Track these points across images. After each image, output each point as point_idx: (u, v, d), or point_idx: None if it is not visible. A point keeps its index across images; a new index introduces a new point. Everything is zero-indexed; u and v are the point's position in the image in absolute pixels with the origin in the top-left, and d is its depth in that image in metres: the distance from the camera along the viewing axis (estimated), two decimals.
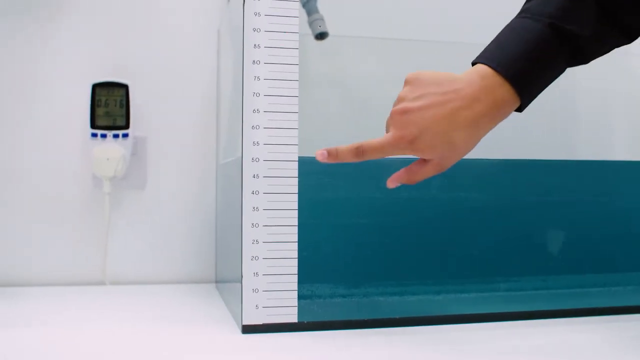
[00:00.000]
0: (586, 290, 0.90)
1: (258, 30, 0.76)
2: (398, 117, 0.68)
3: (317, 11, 1.08)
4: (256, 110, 0.76)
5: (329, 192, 0.81)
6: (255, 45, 0.76)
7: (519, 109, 0.69)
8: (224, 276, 1.00)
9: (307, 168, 0.77)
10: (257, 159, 0.76)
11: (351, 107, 1.15)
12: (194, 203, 1.15)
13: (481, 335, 0.78)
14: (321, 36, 1.07)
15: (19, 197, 1.09)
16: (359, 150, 0.69)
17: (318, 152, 0.71)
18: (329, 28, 1.06)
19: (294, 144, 0.76)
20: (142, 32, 1.13)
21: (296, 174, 0.76)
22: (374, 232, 0.82)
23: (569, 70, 0.71)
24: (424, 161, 0.70)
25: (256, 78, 0.76)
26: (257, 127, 0.76)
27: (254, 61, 0.76)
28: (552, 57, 0.68)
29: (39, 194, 1.10)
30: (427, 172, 0.70)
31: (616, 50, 0.72)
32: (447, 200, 0.85)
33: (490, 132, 0.69)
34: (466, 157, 0.71)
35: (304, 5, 1.08)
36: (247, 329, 0.76)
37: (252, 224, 0.76)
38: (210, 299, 1.00)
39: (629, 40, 0.71)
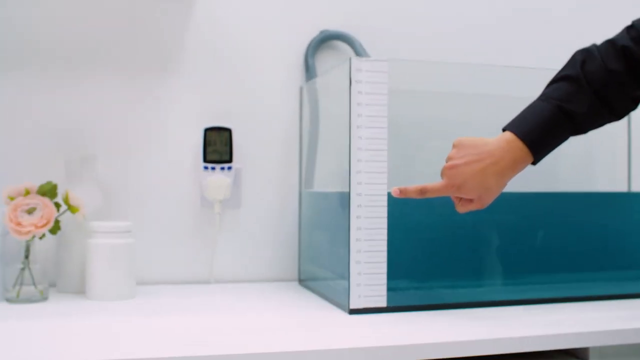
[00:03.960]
0: (588, 283, 1.25)
1: (361, 92, 1.10)
2: (448, 171, 1.02)
3: None
4: (359, 160, 1.10)
5: (408, 217, 1.15)
6: (358, 103, 1.10)
7: (533, 163, 1.03)
8: (315, 276, 1.34)
9: (393, 199, 1.11)
10: (360, 194, 1.10)
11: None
12: (278, 219, 1.48)
13: (512, 312, 1.13)
14: None
15: (149, 217, 1.41)
16: (422, 191, 1.03)
17: (393, 190, 1.04)
18: None
19: (384, 182, 1.11)
20: (241, 87, 1.46)
21: (386, 204, 1.11)
22: (439, 243, 1.17)
23: None
24: (470, 200, 1.04)
25: (359, 138, 1.10)
26: (360, 171, 1.10)
27: (358, 114, 1.09)
28: (558, 129, 1.02)
29: (162, 215, 1.42)
30: (472, 207, 1.04)
31: None
32: (487, 220, 1.20)
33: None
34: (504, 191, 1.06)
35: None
36: (353, 311, 1.10)
37: (357, 239, 1.10)
38: (301, 293, 1.34)
39: (617, 118, 1.05)
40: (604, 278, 1.28)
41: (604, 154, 1.54)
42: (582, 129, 1.04)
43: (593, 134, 1.08)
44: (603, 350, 1.04)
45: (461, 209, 1.06)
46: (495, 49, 1.61)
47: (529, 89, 1.11)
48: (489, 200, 1.04)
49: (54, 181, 1.28)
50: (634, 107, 1.05)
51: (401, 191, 1.04)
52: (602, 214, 1.29)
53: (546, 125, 1.01)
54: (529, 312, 1.15)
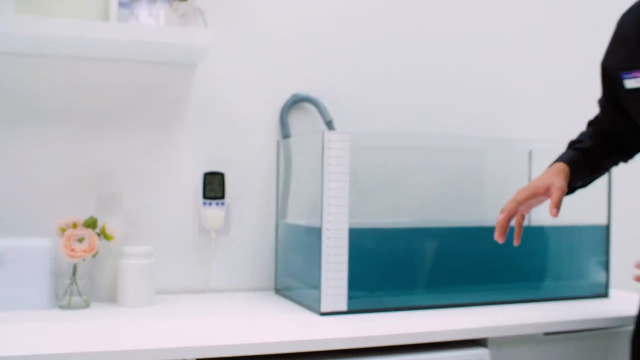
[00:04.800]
0: (492, 292, 1.71)
1: (330, 157, 1.53)
2: (530, 183, 1.46)
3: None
4: (329, 204, 1.53)
5: (362, 244, 1.58)
6: (328, 164, 1.53)
7: (571, 193, 1.51)
8: (290, 286, 1.76)
9: (352, 232, 1.54)
10: (329, 229, 1.53)
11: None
12: (259, 243, 1.90)
13: (437, 313, 1.57)
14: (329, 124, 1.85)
15: (161, 241, 1.81)
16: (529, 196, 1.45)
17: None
18: None
19: (346, 220, 1.54)
20: (232, 139, 1.87)
21: (347, 235, 1.54)
22: (385, 264, 1.61)
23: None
24: (547, 190, 1.43)
25: (330, 189, 1.53)
26: (330, 213, 1.53)
27: (328, 172, 1.53)
28: (580, 163, 1.49)
29: (170, 239, 1.82)
30: (556, 192, 1.40)
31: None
32: (420, 246, 1.64)
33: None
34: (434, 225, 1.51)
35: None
36: (324, 314, 1.53)
37: (327, 262, 1.53)
38: (278, 300, 1.76)
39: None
40: (503, 288, 1.74)
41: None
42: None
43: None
44: (499, 340, 1.49)
45: (553, 201, 1.40)
46: (428, 113, 2.07)
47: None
48: (557, 187, 1.42)
49: (87, 213, 1.67)
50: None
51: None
52: (505, 243, 1.75)
53: (572, 159, 1.51)
54: (449, 313, 1.60)
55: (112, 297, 1.69)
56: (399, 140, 1.85)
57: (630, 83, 1.43)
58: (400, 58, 2.06)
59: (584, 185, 1.57)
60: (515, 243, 1.46)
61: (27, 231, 1.68)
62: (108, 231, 1.64)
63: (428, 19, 2.10)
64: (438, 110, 2.09)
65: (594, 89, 1.62)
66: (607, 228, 1.83)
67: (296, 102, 1.92)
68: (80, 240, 1.59)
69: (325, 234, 1.53)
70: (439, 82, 2.10)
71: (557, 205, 1.39)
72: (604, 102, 1.58)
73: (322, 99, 1.94)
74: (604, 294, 1.83)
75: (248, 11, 1.91)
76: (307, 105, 1.94)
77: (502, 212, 1.45)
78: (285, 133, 1.90)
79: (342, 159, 1.54)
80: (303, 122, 1.94)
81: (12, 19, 1.56)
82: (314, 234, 1.57)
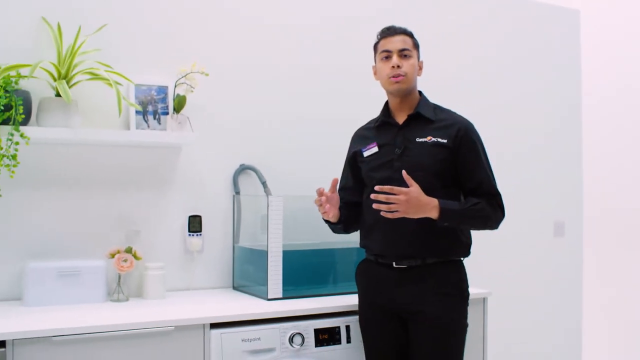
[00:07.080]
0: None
1: (272, 211, 2.71)
2: None
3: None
4: (272, 238, 2.71)
5: (291, 259, 2.77)
6: (271, 217, 2.71)
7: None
8: (243, 284, 2.92)
9: (285, 253, 2.73)
10: (272, 250, 2.71)
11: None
12: (222, 258, 3.04)
13: (330, 298, 2.78)
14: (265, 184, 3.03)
15: (164, 259, 2.93)
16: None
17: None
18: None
19: (280, 247, 2.73)
20: (204, 193, 3.01)
21: (281, 253, 2.73)
22: (302, 270, 2.81)
23: None
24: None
25: (274, 230, 2.71)
26: (272, 242, 2.71)
27: (271, 219, 2.71)
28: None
29: (169, 257, 2.94)
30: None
31: None
32: (315, 260, 2.85)
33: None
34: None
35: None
36: (270, 299, 2.71)
37: (271, 270, 2.71)
38: (238, 293, 2.92)
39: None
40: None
41: None
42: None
43: None
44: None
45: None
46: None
47: None
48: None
49: (119, 243, 2.78)
50: None
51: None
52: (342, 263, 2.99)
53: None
54: (337, 297, 2.80)
55: (139, 294, 2.81)
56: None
57: (367, 152, 2.55)
58: (307, 139, 3.26)
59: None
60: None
61: (84, 254, 2.76)
62: (138, 254, 2.76)
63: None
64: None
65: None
66: None
67: (243, 169, 3.09)
68: (125, 260, 2.70)
69: (270, 255, 2.71)
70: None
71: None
72: (348, 180, 2.64)
73: (259, 167, 3.11)
74: None
75: (208, 115, 3.05)
76: (250, 171, 3.11)
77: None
78: (237, 190, 3.06)
79: (279, 212, 2.73)
80: (248, 182, 3.11)
81: (80, 131, 2.65)
82: (263, 254, 2.75)
